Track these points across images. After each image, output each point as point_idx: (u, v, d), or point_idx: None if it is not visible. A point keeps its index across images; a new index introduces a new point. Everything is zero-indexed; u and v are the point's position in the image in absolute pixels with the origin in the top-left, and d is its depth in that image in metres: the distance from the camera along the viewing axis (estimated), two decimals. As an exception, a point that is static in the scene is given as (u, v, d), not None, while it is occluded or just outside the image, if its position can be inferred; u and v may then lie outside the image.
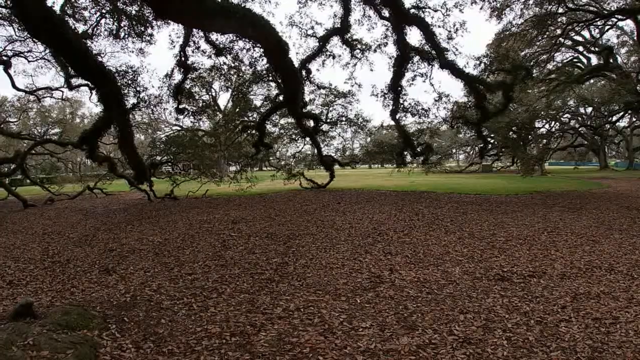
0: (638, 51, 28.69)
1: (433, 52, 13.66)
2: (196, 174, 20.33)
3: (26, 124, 41.59)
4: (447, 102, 16.75)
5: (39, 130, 43.12)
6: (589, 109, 43.17)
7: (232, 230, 10.58)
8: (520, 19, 21.09)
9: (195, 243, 9.37)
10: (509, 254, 7.73)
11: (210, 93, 30.09)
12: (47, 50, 17.78)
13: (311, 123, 22.15)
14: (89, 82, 13.41)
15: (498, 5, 19.12)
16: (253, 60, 16.51)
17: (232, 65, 16.55)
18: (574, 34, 26.82)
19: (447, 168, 47.61)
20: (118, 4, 12.78)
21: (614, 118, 40.74)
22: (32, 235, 11.61)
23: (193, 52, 15.21)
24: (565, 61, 31.49)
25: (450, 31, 13.52)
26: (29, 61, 20.53)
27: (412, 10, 12.82)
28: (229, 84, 19.30)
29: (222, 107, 36.76)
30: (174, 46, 14.68)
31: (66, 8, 13.29)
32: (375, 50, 15.93)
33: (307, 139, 25.87)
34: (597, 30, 28.20)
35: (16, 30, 17.06)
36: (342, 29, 15.28)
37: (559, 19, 21.29)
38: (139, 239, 10.22)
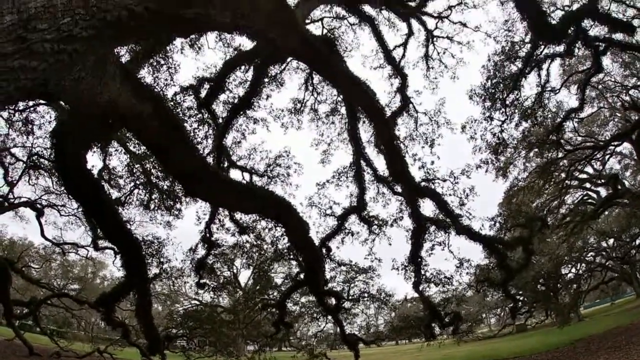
0: (640, 168, 28.72)
1: (448, 219, 13.91)
2: (212, 351, 19.22)
3: (47, 273, 41.35)
4: (469, 266, 16.39)
5: (59, 283, 42.74)
6: (611, 241, 41.52)
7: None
8: (525, 173, 21.83)
9: None
10: None
11: (231, 270, 30.22)
12: (80, 209, 18.46)
13: (333, 301, 21.53)
14: (114, 247, 13.74)
15: (502, 164, 20.02)
16: (275, 239, 16.99)
17: (255, 243, 16.99)
18: (578, 173, 27.21)
19: (480, 335, 44.42)
20: (152, 178, 13.80)
21: (638, 241, 38.85)
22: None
23: (218, 229, 15.78)
24: (576, 202, 31.45)
25: (461, 197, 13.95)
26: (60, 215, 21.06)
27: (423, 183, 13.48)
28: (251, 261, 19.51)
29: (242, 284, 36.49)
30: (200, 222, 15.30)
31: (103, 173, 14.33)
32: (392, 225, 16.26)
33: (329, 317, 24.84)
34: (598, 163, 28.70)
35: (54, 182, 18.02)
36: (358, 207, 15.88)
37: (561, 163, 21.95)
38: None
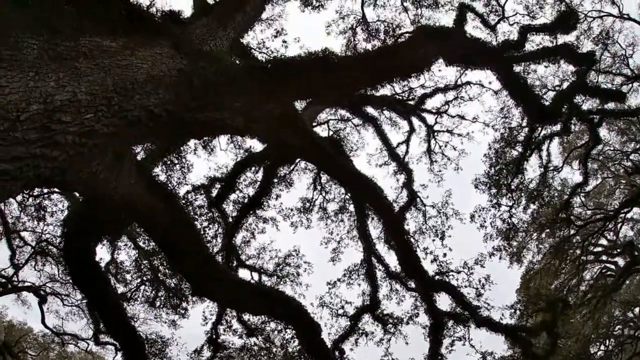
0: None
1: (466, 312, 13.29)
2: None
3: (44, 362, 38.49)
4: (493, 359, 15.27)
5: (55, 373, 39.47)
6: (637, 310, 38.20)
7: None
8: (539, 255, 21.06)
9: None
10: None
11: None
12: (84, 300, 17.78)
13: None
14: (117, 343, 13.08)
15: (515, 250, 19.50)
16: (284, 341, 16.14)
17: (263, 346, 16.15)
18: (592, 247, 26.02)
19: None
20: (159, 275, 13.58)
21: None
22: None
23: (225, 330, 15.11)
24: (595, 276, 29.71)
25: (477, 288, 13.42)
26: (63, 304, 20.22)
27: (437, 277, 13.11)
28: (259, 366, 18.36)
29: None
30: (207, 323, 14.76)
31: (111, 267, 14.08)
32: (407, 323, 15.50)
33: None
34: (612, 233, 27.50)
35: (60, 270, 17.56)
36: (371, 306, 15.30)
37: (574, 240, 21.26)
38: None
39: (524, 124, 14.09)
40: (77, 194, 9.44)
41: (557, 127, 13.43)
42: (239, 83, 5.27)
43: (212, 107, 4.99)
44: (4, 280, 18.63)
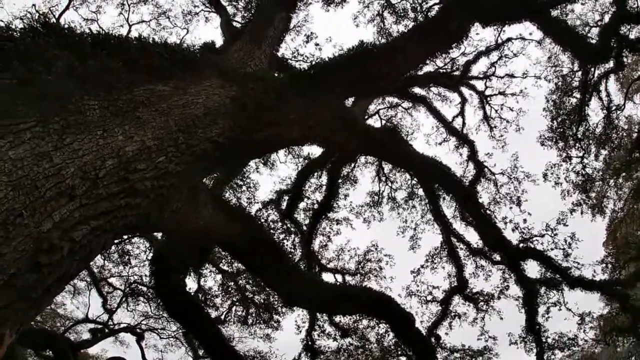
0: None
1: (557, 276, 12.55)
2: None
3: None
4: (592, 320, 14.28)
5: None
6: None
7: None
8: (620, 202, 19.42)
9: None
10: None
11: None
12: (180, 330, 18.45)
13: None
14: None
15: (594, 201, 18.23)
16: (379, 336, 16.07)
17: (359, 344, 16.14)
18: None
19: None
20: (246, 293, 13.95)
21: None
22: None
23: (319, 335, 15.26)
24: None
25: (564, 249, 12.61)
26: (160, 337, 20.87)
27: (521, 245, 12.50)
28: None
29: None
30: (300, 331, 14.98)
31: (199, 295, 14.62)
32: (499, 298, 14.91)
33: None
34: None
35: (152, 307, 18.19)
36: (460, 287, 14.85)
37: None
38: None
39: (576, 68, 13.41)
40: (158, 234, 9.84)
41: (610, 64, 12.51)
42: (287, 95, 5.28)
43: (268, 124, 5.02)
44: (100, 326, 19.52)
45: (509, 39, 14.59)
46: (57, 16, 13.64)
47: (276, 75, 7.56)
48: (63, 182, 2.76)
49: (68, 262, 2.83)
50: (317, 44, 13.80)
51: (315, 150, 12.93)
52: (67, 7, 14.08)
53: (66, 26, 3.92)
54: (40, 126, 2.78)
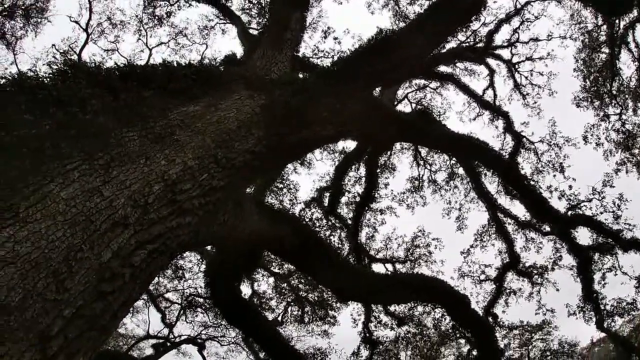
0: None
1: (609, 240, 12.00)
2: None
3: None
4: None
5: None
6: None
7: None
8: None
9: None
10: None
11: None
12: (239, 336, 18.76)
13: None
14: None
15: (638, 158, 17.33)
16: (436, 321, 15.89)
17: (416, 331, 16.03)
18: None
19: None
20: (300, 293, 14.07)
21: None
22: None
23: (375, 326, 15.23)
24: None
25: (613, 211, 12.06)
26: (221, 345, 21.23)
27: (570, 212, 12.04)
28: (416, 351, 18.22)
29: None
30: (356, 324, 14.99)
31: (254, 299, 14.87)
32: (552, 269, 14.40)
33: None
34: None
35: (210, 317, 18.59)
36: (512, 262, 14.44)
37: None
38: None
39: (600, 22, 12.80)
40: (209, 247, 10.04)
41: (634, 13, 11.83)
42: (316, 95, 5.26)
43: (301, 126, 5.03)
44: (162, 341, 20.09)
45: (528, 2, 14.18)
46: (78, 52, 14.08)
47: (301, 76, 7.55)
48: (116, 212, 2.86)
49: (130, 287, 2.94)
50: (335, 38, 13.74)
51: (349, 144, 12.92)
52: (86, 42, 14.41)
53: (92, 64, 4.06)
54: (86, 164, 2.89)
